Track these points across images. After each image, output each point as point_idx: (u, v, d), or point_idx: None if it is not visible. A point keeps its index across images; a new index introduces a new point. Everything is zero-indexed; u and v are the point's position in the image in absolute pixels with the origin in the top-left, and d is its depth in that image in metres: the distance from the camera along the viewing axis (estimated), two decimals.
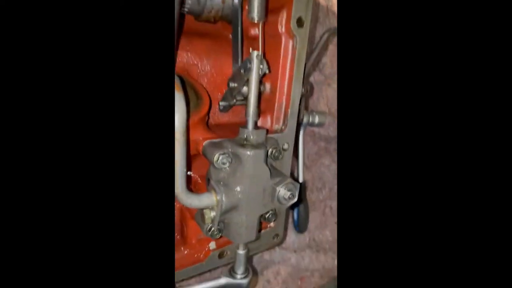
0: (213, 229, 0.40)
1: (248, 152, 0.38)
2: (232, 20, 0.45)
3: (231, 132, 0.44)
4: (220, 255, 0.49)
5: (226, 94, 0.48)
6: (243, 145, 0.39)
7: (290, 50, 0.44)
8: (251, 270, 0.45)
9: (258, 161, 0.38)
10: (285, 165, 0.48)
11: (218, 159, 0.38)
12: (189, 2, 0.42)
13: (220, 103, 0.49)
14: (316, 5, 0.70)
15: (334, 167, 0.81)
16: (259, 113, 0.46)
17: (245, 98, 0.44)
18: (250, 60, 0.38)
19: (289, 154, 0.48)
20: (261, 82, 0.45)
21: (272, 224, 0.52)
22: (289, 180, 0.41)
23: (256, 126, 0.41)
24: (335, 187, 0.81)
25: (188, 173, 0.46)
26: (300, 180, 0.66)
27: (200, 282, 0.44)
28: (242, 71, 0.41)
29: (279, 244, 0.65)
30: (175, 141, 0.33)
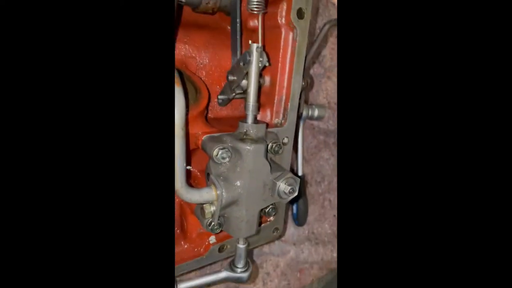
0: (213, 223, 0.40)
1: (248, 147, 0.37)
2: (231, 11, 0.44)
3: (230, 126, 0.44)
4: (220, 249, 0.49)
5: (225, 87, 0.47)
6: (242, 140, 0.38)
7: (290, 43, 0.43)
8: (251, 264, 0.46)
9: (258, 156, 0.38)
10: (285, 159, 0.48)
11: (217, 153, 0.38)
12: None
13: (219, 97, 0.48)
14: None
15: (333, 160, 0.81)
16: (258, 107, 0.45)
17: (245, 91, 0.44)
18: (249, 53, 0.37)
19: (289, 148, 0.48)
20: (260, 75, 0.44)
21: (272, 218, 0.52)
22: (290, 174, 0.40)
23: (255, 120, 0.40)
24: (334, 180, 0.81)
25: (188, 167, 0.46)
26: (299, 173, 0.66)
27: (201, 275, 0.44)
28: (241, 64, 0.40)
29: (279, 237, 0.65)
30: (175, 136, 0.33)
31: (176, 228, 0.49)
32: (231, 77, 0.44)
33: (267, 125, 0.42)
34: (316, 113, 0.60)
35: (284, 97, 0.46)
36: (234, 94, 0.46)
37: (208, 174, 0.41)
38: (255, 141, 0.38)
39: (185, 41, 0.46)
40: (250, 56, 0.37)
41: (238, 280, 0.44)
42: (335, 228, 0.83)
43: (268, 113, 0.47)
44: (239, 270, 0.44)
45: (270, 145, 0.43)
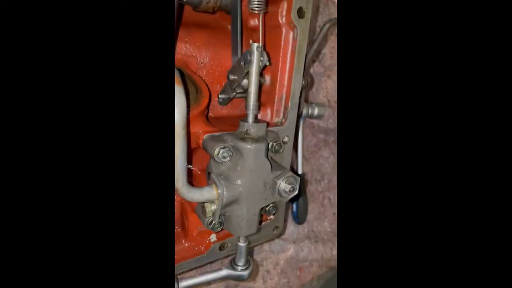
0: (214, 222, 0.40)
1: (249, 146, 0.37)
2: (231, 10, 0.44)
3: (231, 125, 0.44)
4: (221, 247, 0.49)
5: (226, 86, 0.47)
6: (243, 139, 0.39)
7: (291, 42, 0.43)
8: (252, 262, 0.46)
9: (259, 155, 0.38)
10: (285, 158, 0.48)
11: (218, 153, 0.38)
12: None
13: (220, 96, 0.48)
14: None
15: (332, 159, 0.81)
16: (259, 106, 0.46)
17: (245, 90, 0.44)
18: (250, 52, 0.37)
19: (289, 147, 0.48)
20: (261, 74, 0.44)
21: (272, 216, 0.52)
22: (290, 173, 0.41)
23: (256, 119, 0.40)
24: (334, 178, 0.81)
25: (188, 166, 0.46)
26: (299, 172, 0.66)
27: (202, 274, 0.44)
28: (242, 63, 0.40)
29: (279, 236, 0.65)
30: (176, 135, 0.33)
31: (177, 227, 0.49)
32: (231, 76, 0.44)
33: (268, 124, 0.42)
34: (316, 111, 0.60)
35: (284, 96, 0.46)
36: (234, 93, 0.46)
37: (209, 173, 0.41)
38: (255, 140, 0.39)
39: (185, 40, 0.46)
40: (250, 55, 0.37)
41: (239, 278, 0.45)
42: (334, 226, 0.83)
43: (269, 112, 0.47)
44: (239, 268, 0.44)
45: (270, 144, 0.43)
